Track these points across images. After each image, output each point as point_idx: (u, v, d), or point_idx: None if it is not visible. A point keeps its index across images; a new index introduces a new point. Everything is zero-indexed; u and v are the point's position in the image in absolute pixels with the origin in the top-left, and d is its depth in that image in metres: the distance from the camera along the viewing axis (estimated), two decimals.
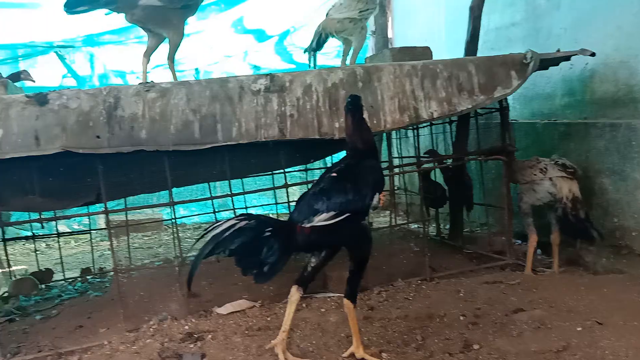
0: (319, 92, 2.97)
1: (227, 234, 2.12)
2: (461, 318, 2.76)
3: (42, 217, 3.24)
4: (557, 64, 3.60)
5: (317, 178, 2.66)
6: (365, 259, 2.40)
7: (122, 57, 7.44)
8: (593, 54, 3.33)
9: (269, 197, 6.96)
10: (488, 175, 3.93)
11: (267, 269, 2.19)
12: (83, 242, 6.80)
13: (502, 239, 3.91)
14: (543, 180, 3.30)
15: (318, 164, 4.94)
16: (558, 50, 3.31)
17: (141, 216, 6.97)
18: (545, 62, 3.33)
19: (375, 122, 2.97)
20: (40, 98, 2.72)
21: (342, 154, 2.59)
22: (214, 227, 2.16)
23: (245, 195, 3.78)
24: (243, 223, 2.16)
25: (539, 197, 3.34)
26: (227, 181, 3.37)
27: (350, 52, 3.82)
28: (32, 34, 7.11)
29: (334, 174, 2.36)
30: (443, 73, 3.08)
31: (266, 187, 3.71)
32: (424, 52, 3.52)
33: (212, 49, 7.13)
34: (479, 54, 3.84)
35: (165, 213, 7.25)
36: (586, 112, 3.65)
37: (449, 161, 4.14)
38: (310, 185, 2.55)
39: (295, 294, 2.41)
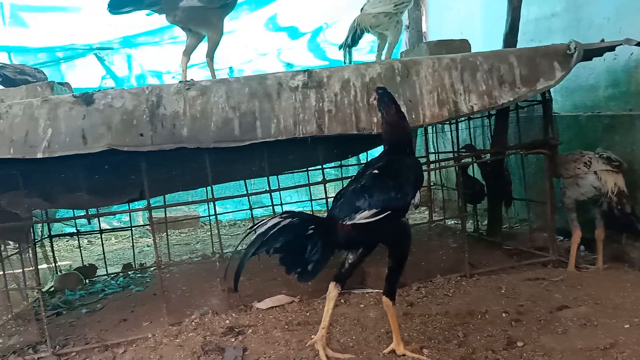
0: (356, 87, 2.96)
1: (272, 232, 2.11)
2: (503, 315, 2.72)
3: (89, 213, 3.34)
4: (601, 55, 3.48)
5: (353, 174, 2.65)
6: (405, 256, 2.38)
7: (158, 57, 7.60)
8: (638, 44, 3.22)
9: (301, 193, 7.00)
10: (529, 169, 3.83)
11: (311, 267, 2.19)
12: (123, 239, 6.99)
13: (543, 235, 3.83)
14: (587, 174, 3.20)
15: (353, 160, 4.94)
16: (602, 41, 3.20)
17: (177, 213, 7.12)
18: (589, 53, 3.23)
19: (414, 116, 2.94)
20: (87, 98, 2.81)
21: (380, 149, 2.58)
22: (259, 225, 2.16)
23: (281, 192, 3.83)
24: (287, 221, 2.15)
25: (583, 192, 3.25)
26: (261, 179, 3.40)
27: (386, 47, 3.80)
28: (72, 37, 7.31)
29: (376, 171, 2.34)
30: (483, 65, 3.02)
31: (300, 184, 3.72)
32: (462, 45, 3.46)
33: (245, 48, 7.20)
34: (518, 46, 3.75)
35: (201, 210, 7.38)
36: (631, 103, 3.52)
37: (488, 156, 4.07)
38: (345, 182, 2.54)
39: (333, 290, 2.42)
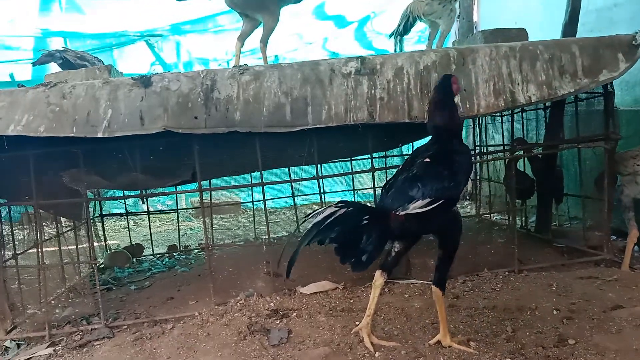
0: (410, 74, 2.92)
1: (328, 221, 2.10)
2: (554, 312, 2.64)
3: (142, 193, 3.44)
4: None
5: (397, 164, 2.62)
6: (455, 246, 2.35)
7: (204, 45, 7.72)
8: None
9: (342, 183, 7.00)
10: (584, 165, 3.69)
11: (365, 257, 2.17)
12: (167, 222, 7.20)
13: (596, 233, 3.69)
14: None
15: (396, 150, 4.88)
16: None
17: (219, 199, 7.26)
18: None
19: (468, 105, 2.88)
20: (145, 80, 2.88)
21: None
22: (315, 215, 2.15)
23: (324, 180, 3.83)
24: (342, 211, 2.14)
25: None
26: (302, 169, 3.40)
27: (437, 35, 3.73)
28: (124, 24, 7.51)
29: (427, 160, 2.31)
30: (544, 55, 2.92)
31: (347, 172, 3.71)
32: (519, 34, 3.36)
33: (291, 36, 7.22)
34: (577, 37, 3.60)
35: (242, 197, 7.50)
36: None
37: (540, 149, 3.94)
38: (390, 173, 2.51)
39: (379, 278, 2.41)
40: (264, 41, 3.25)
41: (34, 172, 2.89)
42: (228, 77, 2.94)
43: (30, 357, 2.74)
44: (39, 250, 3.14)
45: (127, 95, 2.85)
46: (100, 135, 2.78)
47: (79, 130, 2.78)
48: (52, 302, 3.31)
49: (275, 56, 7.25)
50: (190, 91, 2.89)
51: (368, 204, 2.37)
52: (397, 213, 2.21)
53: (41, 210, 3.36)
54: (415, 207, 2.19)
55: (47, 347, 2.83)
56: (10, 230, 3.31)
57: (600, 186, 3.36)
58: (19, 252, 3.22)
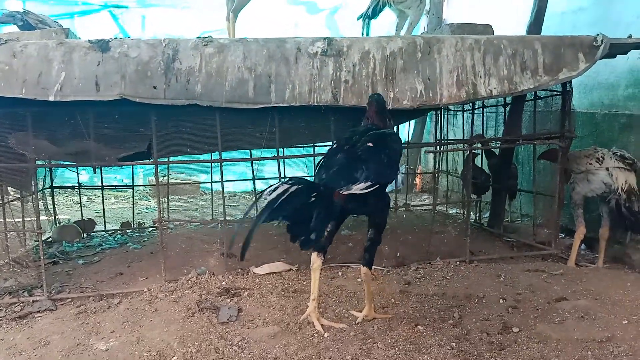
0: (376, 59, 2.92)
1: (282, 199, 2.07)
2: (500, 301, 2.71)
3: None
4: (626, 52, 3.42)
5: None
6: (384, 227, 2.45)
7: (171, 20, 7.51)
8: None
9: (304, 169, 6.98)
10: (538, 163, 3.79)
11: (313, 235, 2.17)
12: (122, 199, 7.00)
13: (545, 230, 3.82)
14: (599, 169, 3.18)
15: None
16: (630, 36, 3.15)
17: (178, 180, 7.12)
18: (614, 49, 3.17)
19: (431, 95, 2.90)
20: (103, 44, 2.77)
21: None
22: (268, 192, 2.11)
23: (285, 161, 3.78)
24: (295, 188, 2.11)
25: (592, 188, 3.23)
26: (266, 151, 3.35)
27: (405, 26, 3.74)
28: None
29: (370, 144, 2.32)
30: (507, 49, 2.97)
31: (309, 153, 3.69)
32: (485, 30, 3.39)
33: (261, 20, 7.10)
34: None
35: (201, 179, 7.39)
36: None
37: (497, 144, 4.03)
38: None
39: (317, 260, 2.42)
40: (235, 12, 3.18)
41: None
42: (191, 47, 2.86)
43: None
44: None
45: (83, 58, 2.73)
46: (51, 98, 2.66)
47: (28, 92, 2.65)
48: None
49: (245, 38, 7.13)
50: (151, 59, 2.80)
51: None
52: (341, 192, 2.22)
53: None
54: (358, 189, 2.21)
55: None
56: None
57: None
58: None
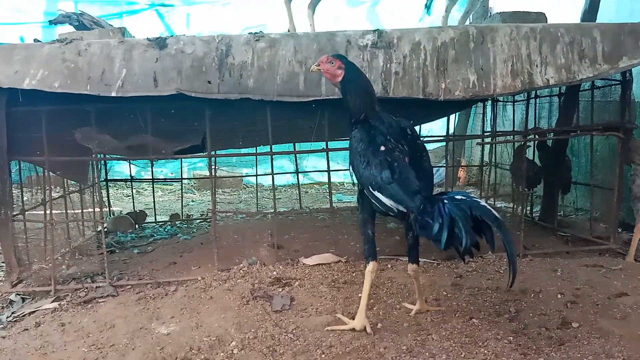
0: (427, 50, 2.89)
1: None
2: (558, 296, 2.65)
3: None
4: None
5: None
6: None
7: (214, 17, 7.64)
8: None
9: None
10: (595, 155, 3.66)
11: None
12: (169, 192, 7.22)
13: (601, 225, 3.70)
14: None
15: None
16: None
17: (221, 174, 7.28)
18: None
19: (484, 85, 2.85)
20: (160, 42, 2.86)
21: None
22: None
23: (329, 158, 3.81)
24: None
25: None
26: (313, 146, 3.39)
27: (454, 7, 3.65)
28: None
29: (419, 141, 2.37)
30: (564, 38, 2.88)
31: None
32: (538, 18, 3.30)
33: (302, 13, 7.13)
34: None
35: (244, 174, 7.52)
36: None
37: (551, 136, 3.91)
38: None
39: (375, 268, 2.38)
40: (312, 7, 3.27)
41: (45, 128, 2.88)
42: (243, 43, 2.91)
43: (35, 310, 2.76)
44: (47, 208, 3.15)
45: (142, 55, 2.83)
46: (114, 94, 2.77)
47: (92, 88, 2.77)
48: (58, 259, 3.32)
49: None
50: (205, 55, 2.87)
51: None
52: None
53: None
54: None
55: (52, 302, 2.85)
56: (19, 188, 3.31)
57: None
58: (26, 208, 3.23)
